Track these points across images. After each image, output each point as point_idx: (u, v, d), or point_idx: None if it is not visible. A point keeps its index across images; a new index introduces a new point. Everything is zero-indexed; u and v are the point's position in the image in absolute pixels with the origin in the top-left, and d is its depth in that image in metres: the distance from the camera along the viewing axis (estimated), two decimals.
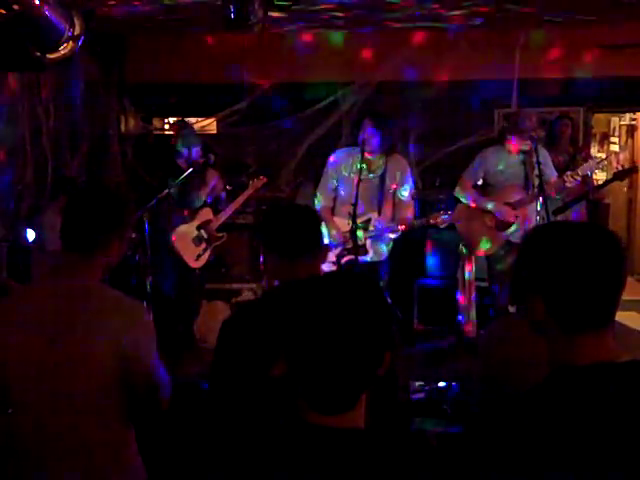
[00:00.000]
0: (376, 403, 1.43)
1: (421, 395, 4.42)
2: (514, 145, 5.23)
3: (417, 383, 4.52)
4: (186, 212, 5.69)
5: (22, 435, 2.15)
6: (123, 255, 2.35)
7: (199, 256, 5.66)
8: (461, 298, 5.92)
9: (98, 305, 2.15)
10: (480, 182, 5.53)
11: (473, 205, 5.40)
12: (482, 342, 2.43)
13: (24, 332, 2.13)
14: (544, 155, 5.26)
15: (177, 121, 6.91)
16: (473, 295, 5.83)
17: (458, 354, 5.44)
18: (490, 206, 5.31)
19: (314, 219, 2.33)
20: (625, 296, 1.48)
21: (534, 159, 5.04)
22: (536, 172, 4.85)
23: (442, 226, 5.15)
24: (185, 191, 5.69)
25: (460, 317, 5.91)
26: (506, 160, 5.30)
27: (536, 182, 5.05)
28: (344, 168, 5.20)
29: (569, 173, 5.14)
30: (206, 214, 5.76)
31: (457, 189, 5.51)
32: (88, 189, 3.01)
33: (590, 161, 5.37)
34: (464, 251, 5.77)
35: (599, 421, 1.36)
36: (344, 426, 1.34)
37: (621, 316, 1.55)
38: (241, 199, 5.81)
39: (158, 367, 2.22)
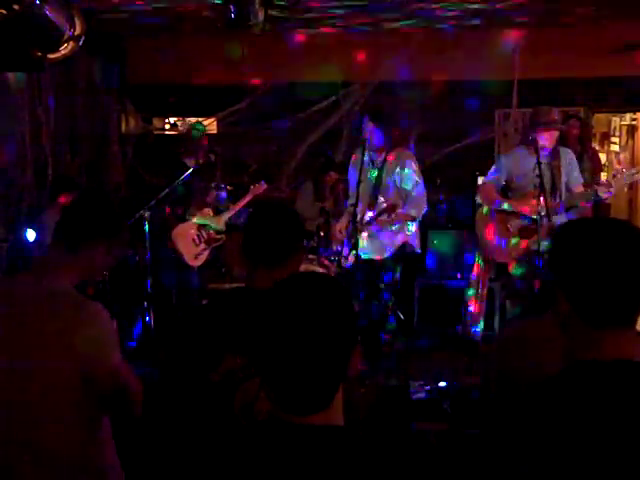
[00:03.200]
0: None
1: (421, 395, 4.41)
2: (545, 140, 4.86)
3: (417, 383, 4.51)
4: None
5: None
6: (109, 265, 2.34)
7: (198, 255, 5.69)
8: (472, 302, 5.75)
9: (50, 306, 2.13)
10: (501, 185, 5.19)
11: (508, 208, 5.03)
12: (498, 339, 2.43)
13: None
14: (570, 159, 5.07)
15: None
16: (484, 299, 5.66)
17: (459, 354, 5.43)
18: (509, 207, 4.97)
19: (282, 228, 2.20)
20: None
21: (561, 162, 4.93)
22: (536, 172, 4.80)
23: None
24: (190, 190, 5.72)
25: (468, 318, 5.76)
26: (528, 164, 4.91)
27: (563, 188, 4.90)
28: (353, 175, 5.28)
29: (602, 184, 4.79)
30: (206, 214, 5.78)
31: (478, 194, 5.29)
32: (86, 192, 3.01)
33: (625, 171, 4.90)
34: (480, 262, 5.59)
35: (612, 417, 1.37)
36: (320, 423, 1.34)
37: None
38: (241, 203, 5.81)
39: (122, 369, 2.17)
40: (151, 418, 2.27)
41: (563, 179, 4.97)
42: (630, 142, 9.20)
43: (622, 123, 9.26)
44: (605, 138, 9.31)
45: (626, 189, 8.86)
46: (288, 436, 1.32)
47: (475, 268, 5.63)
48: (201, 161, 5.70)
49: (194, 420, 2.08)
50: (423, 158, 6.82)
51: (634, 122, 9.05)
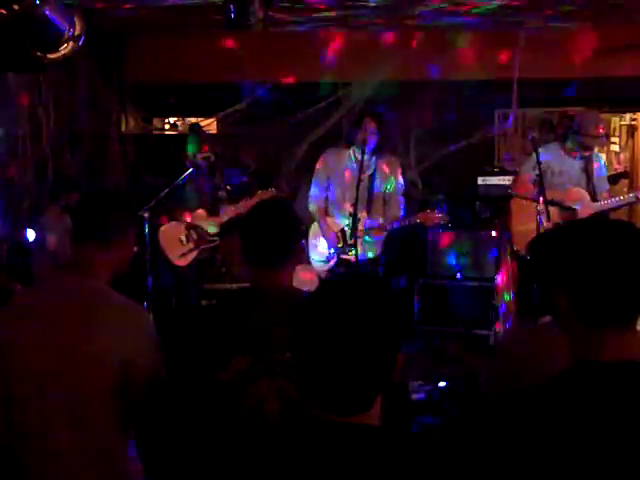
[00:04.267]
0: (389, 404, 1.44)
1: (421, 395, 4.41)
2: (589, 148, 5.02)
3: (417, 383, 4.51)
4: (186, 215, 5.68)
5: (21, 441, 2.10)
6: (131, 255, 2.35)
7: (183, 255, 5.56)
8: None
9: (104, 309, 2.14)
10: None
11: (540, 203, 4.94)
12: (501, 343, 2.43)
13: (29, 334, 2.09)
14: (600, 165, 5.14)
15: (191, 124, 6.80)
16: (511, 296, 5.64)
17: (460, 354, 5.44)
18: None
19: (281, 230, 2.19)
20: None
21: (593, 167, 5.02)
22: (536, 172, 4.80)
23: (430, 225, 5.08)
24: (187, 191, 5.71)
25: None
26: (565, 162, 5.06)
27: (598, 190, 5.00)
28: (334, 169, 5.24)
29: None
30: (200, 215, 5.70)
31: (513, 184, 5.31)
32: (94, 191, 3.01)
33: None
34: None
35: (616, 417, 1.36)
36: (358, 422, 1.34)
37: None
38: (243, 207, 5.68)
39: (160, 374, 2.18)
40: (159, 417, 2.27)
41: (593, 183, 5.00)
42: (630, 142, 9.19)
43: (622, 123, 9.25)
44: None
45: (625, 189, 8.88)
46: (327, 433, 1.32)
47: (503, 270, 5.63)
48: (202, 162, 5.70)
49: (204, 420, 2.07)
50: (423, 158, 6.85)
51: (634, 122, 9.05)
